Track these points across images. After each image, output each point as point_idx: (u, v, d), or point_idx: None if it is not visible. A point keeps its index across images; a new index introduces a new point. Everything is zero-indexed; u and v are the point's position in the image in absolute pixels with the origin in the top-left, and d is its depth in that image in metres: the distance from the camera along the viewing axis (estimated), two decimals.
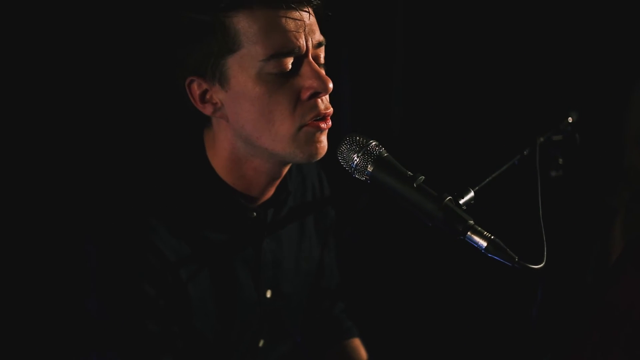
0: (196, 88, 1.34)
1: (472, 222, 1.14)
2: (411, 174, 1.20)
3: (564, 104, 1.90)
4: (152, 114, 1.94)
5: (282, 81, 1.29)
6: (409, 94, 2.89)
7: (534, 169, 1.56)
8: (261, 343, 1.61)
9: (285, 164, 1.44)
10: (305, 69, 1.30)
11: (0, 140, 1.83)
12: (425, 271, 2.80)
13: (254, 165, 1.41)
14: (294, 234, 1.65)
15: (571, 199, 2.27)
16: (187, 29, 1.29)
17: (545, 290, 1.77)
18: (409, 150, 2.72)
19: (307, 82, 1.30)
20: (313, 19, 1.33)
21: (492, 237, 1.12)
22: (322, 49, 1.37)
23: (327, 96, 1.34)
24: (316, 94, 1.31)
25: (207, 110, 1.36)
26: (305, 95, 1.30)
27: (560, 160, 1.77)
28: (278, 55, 1.27)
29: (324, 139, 1.35)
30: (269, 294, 1.58)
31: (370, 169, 1.21)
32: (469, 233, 1.13)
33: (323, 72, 1.32)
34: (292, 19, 1.28)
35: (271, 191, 1.50)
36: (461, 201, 1.21)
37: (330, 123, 1.35)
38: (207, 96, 1.34)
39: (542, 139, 1.69)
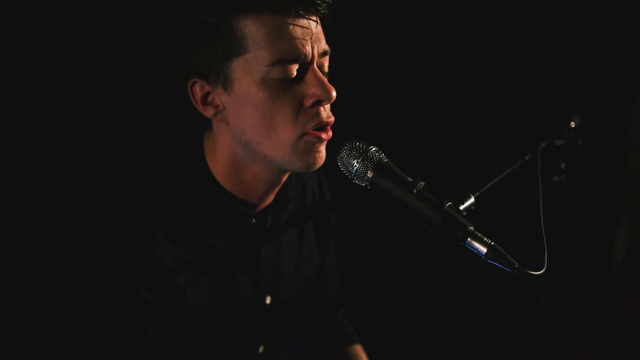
0: (198, 90, 1.34)
1: (472, 228, 1.14)
2: (411, 179, 1.19)
3: (566, 108, 1.89)
4: (152, 119, 1.94)
5: (286, 87, 1.29)
6: (411, 99, 2.89)
7: (536, 174, 1.55)
8: (261, 349, 1.61)
9: (283, 172, 1.44)
10: (309, 77, 1.30)
11: (4, 148, 1.83)
12: (427, 277, 2.80)
13: (253, 172, 1.41)
14: (293, 240, 1.64)
15: (574, 204, 2.26)
16: (193, 30, 1.29)
17: (547, 294, 1.76)
18: (411, 156, 2.73)
19: (310, 89, 1.30)
20: (320, 28, 1.33)
21: (492, 243, 1.12)
22: (327, 57, 1.37)
23: (329, 105, 1.34)
24: (319, 102, 1.31)
25: (208, 112, 1.36)
26: (308, 102, 1.30)
27: (563, 165, 1.76)
28: (284, 61, 1.27)
29: (323, 149, 1.35)
30: (268, 300, 1.57)
31: (370, 174, 1.21)
32: (469, 239, 1.13)
33: (326, 80, 1.31)
34: (300, 26, 1.28)
35: (271, 198, 1.50)
36: (461, 207, 1.21)
37: (330, 134, 1.35)
38: (209, 98, 1.34)
39: (544, 144, 1.69)
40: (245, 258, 1.50)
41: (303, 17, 1.28)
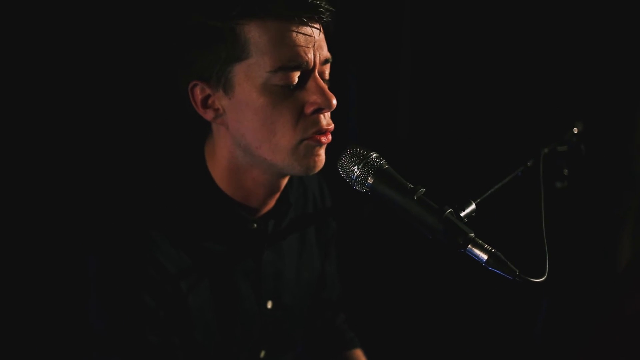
0: (199, 92, 1.34)
1: (472, 235, 1.13)
2: (412, 186, 1.19)
3: (569, 114, 1.88)
4: (153, 123, 1.95)
5: (286, 94, 1.29)
6: (414, 104, 2.89)
7: (538, 181, 1.55)
8: (262, 354, 1.61)
9: (283, 176, 1.44)
10: (310, 84, 1.31)
11: (5, 151, 1.83)
12: (429, 282, 2.79)
13: (252, 176, 1.41)
14: (295, 245, 1.64)
15: (577, 210, 2.25)
16: (197, 33, 1.29)
17: (550, 300, 1.76)
18: (414, 161, 2.73)
19: (311, 97, 1.30)
20: (322, 35, 1.33)
21: (493, 250, 1.12)
22: (328, 65, 1.37)
23: (329, 112, 1.34)
24: (319, 110, 1.31)
25: (208, 115, 1.36)
26: (309, 110, 1.31)
27: (566, 171, 1.75)
28: (285, 68, 1.27)
29: (322, 152, 1.36)
30: (269, 304, 1.57)
31: (370, 181, 1.21)
32: (469, 246, 1.13)
33: (327, 88, 1.32)
34: (303, 34, 1.28)
35: (272, 203, 1.50)
36: (462, 213, 1.21)
37: (330, 138, 1.35)
38: (210, 101, 1.35)
39: (546, 150, 1.68)
40: (247, 263, 1.51)
41: (306, 24, 1.28)
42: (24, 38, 1.81)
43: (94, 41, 1.89)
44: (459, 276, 2.61)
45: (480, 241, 1.13)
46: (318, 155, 1.35)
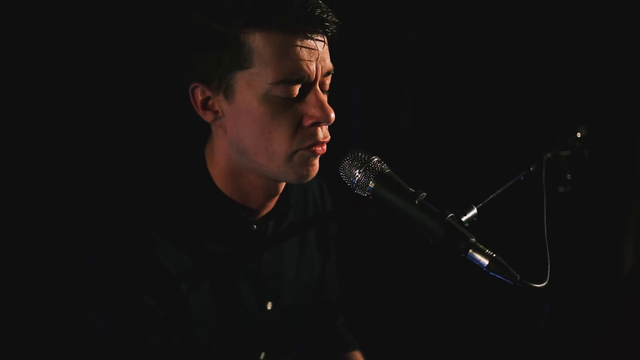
0: (199, 94, 1.34)
1: (474, 239, 1.13)
2: (413, 190, 1.19)
3: (572, 118, 1.88)
4: (154, 124, 1.95)
5: (286, 105, 1.30)
6: (418, 109, 2.89)
7: (541, 186, 1.55)
8: (262, 355, 1.61)
9: (279, 181, 1.45)
10: (311, 97, 1.31)
11: (7, 152, 1.84)
12: (429, 286, 2.79)
13: (249, 180, 1.42)
14: (295, 247, 1.65)
15: (580, 214, 2.25)
16: (201, 36, 1.29)
17: (553, 305, 1.75)
18: (417, 165, 2.73)
19: (311, 110, 1.31)
20: (326, 48, 1.33)
21: (494, 255, 1.12)
22: (329, 76, 1.37)
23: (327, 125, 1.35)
24: (317, 123, 1.32)
25: (208, 117, 1.36)
26: (307, 122, 1.31)
27: (569, 176, 1.75)
28: (287, 81, 1.27)
29: (316, 162, 1.37)
30: (269, 306, 1.58)
31: (371, 185, 1.21)
32: (470, 251, 1.13)
33: (326, 101, 1.32)
34: (307, 47, 1.28)
35: (271, 204, 1.50)
36: (464, 218, 1.21)
37: (325, 149, 1.36)
38: (210, 103, 1.35)
39: (549, 155, 1.68)
40: (247, 264, 1.51)
41: (311, 38, 1.28)
42: (27, 39, 1.82)
43: (95, 42, 1.90)
44: (460, 280, 2.60)
45: (481, 246, 1.13)
46: (312, 165, 1.35)
